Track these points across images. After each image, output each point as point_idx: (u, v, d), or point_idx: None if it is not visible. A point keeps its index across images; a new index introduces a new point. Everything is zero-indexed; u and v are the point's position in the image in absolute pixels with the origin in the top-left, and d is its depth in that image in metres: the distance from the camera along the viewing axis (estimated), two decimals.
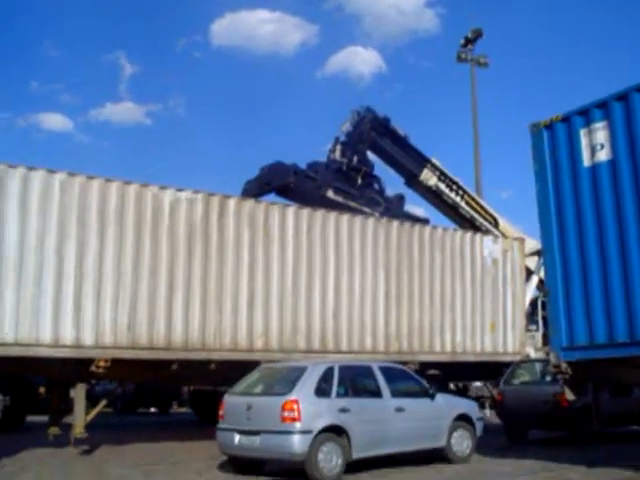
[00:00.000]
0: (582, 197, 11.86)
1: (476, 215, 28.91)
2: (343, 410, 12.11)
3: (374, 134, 26.86)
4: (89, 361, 14.43)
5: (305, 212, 17.62)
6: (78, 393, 14.99)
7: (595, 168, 11.68)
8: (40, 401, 19.55)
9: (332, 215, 18.04)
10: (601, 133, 11.59)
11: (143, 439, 17.55)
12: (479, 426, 14.31)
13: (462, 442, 13.89)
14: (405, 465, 13.07)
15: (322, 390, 12.15)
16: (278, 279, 16.76)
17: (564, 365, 12.15)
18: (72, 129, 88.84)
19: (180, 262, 15.63)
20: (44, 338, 13.97)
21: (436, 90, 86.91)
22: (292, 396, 11.76)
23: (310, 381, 12.13)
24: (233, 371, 14.96)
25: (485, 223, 28.74)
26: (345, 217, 18.28)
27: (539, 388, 16.71)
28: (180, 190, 15.92)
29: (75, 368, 14.67)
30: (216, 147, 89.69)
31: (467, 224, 27.97)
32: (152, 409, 30.30)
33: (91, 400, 15.86)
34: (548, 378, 15.99)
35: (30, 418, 20.26)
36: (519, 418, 17.02)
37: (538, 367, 17.78)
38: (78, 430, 14.78)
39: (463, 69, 44.42)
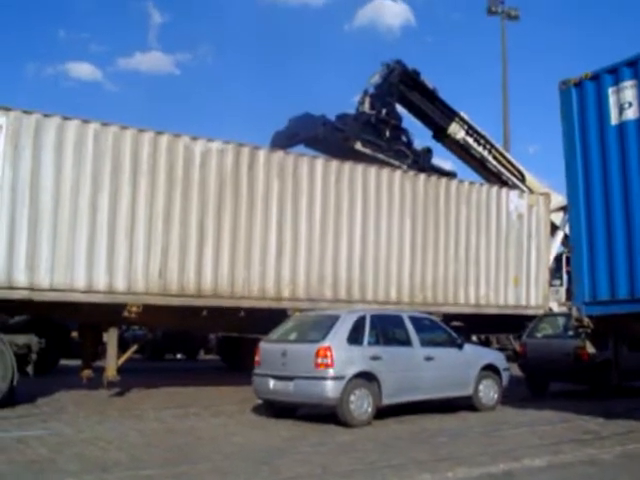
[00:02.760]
0: (609, 155, 11.93)
1: (503, 169, 28.83)
2: (374, 358, 12.46)
3: (403, 87, 26.72)
4: (121, 306, 14.74)
5: (334, 164, 17.75)
6: (111, 337, 15.44)
7: (622, 126, 11.72)
8: (72, 345, 20.00)
9: (360, 167, 18.16)
10: (629, 92, 11.60)
11: (173, 384, 17.98)
12: (505, 376, 14.62)
13: (489, 391, 14.24)
14: (431, 413, 13.38)
15: (354, 338, 12.49)
16: (306, 229, 16.96)
17: (586, 319, 12.32)
18: (101, 78, 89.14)
19: (210, 212, 15.83)
20: (78, 284, 14.28)
21: (466, 44, 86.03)
22: (325, 343, 12.12)
23: (343, 329, 12.49)
24: (261, 319, 15.37)
25: (512, 178, 28.66)
26: (373, 169, 18.41)
27: (561, 342, 16.86)
28: (211, 140, 16.08)
29: (108, 313, 14.99)
30: (245, 97, 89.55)
31: (494, 178, 27.92)
32: (179, 355, 30.81)
33: (120, 347, 16.23)
34: (570, 332, 16.03)
35: (62, 362, 20.78)
36: (541, 370, 17.28)
37: (561, 321, 17.96)
38: (111, 373, 15.25)
39: (493, 22, 43.88)
